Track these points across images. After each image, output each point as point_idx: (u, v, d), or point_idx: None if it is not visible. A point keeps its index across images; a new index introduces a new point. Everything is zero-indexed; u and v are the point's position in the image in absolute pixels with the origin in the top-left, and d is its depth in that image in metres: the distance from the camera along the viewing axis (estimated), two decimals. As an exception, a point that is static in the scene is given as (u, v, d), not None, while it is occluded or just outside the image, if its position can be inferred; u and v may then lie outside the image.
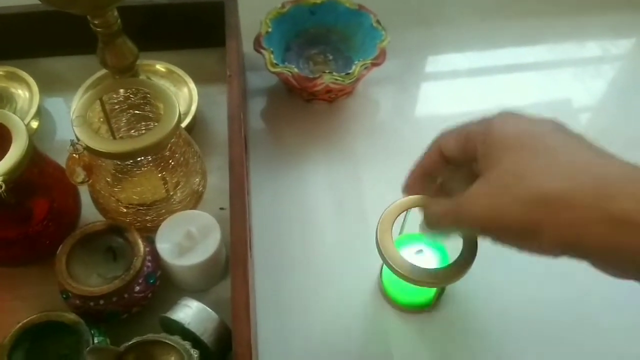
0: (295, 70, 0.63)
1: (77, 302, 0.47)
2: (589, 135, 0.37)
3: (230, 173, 0.53)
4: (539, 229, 0.32)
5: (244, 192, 0.52)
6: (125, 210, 0.52)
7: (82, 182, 0.48)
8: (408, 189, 0.45)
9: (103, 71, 0.64)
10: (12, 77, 0.65)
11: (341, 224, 0.61)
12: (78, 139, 0.46)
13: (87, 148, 0.45)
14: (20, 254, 0.51)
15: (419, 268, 0.46)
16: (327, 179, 0.64)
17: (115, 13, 0.53)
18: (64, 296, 0.48)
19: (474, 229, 0.38)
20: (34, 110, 0.62)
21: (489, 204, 0.34)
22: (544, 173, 0.33)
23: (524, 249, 0.34)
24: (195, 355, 0.42)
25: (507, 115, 0.38)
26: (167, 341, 0.42)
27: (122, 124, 0.54)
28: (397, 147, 0.67)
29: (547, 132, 0.36)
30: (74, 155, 0.46)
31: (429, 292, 0.53)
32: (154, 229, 0.51)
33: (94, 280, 0.49)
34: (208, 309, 0.47)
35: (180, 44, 0.70)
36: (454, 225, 0.39)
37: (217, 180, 0.59)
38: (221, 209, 0.58)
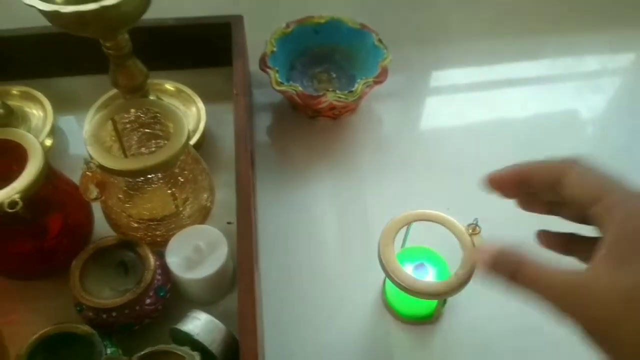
0: (300, 88, 0.65)
1: (91, 314, 0.49)
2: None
3: (237, 188, 0.55)
4: None
5: (251, 206, 0.53)
6: (136, 225, 0.54)
7: (95, 199, 0.50)
8: (494, 182, 0.38)
9: (114, 90, 0.66)
10: (27, 97, 0.67)
11: (345, 237, 0.62)
12: (91, 158, 0.48)
13: (100, 166, 0.47)
14: (36, 267, 0.53)
15: (419, 281, 0.47)
16: (332, 194, 0.66)
17: (126, 36, 0.55)
18: (78, 309, 0.50)
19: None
20: (47, 128, 0.64)
21: (618, 311, 0.29)
22: None
23: None
24: (204, 366, 0.44)
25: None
26: (177, 351, 0.44)
27: (133, 142, 0.56)
28: (400, 161, 0.69)
29: None
30: (88, 173, 0.48)
31: (431, 304, 0.54)
32: (164, 244, 0.53)
33: (107, 293, 0.50)
34: (216, 320, 0.49)
35: (188, 64, 0.73)
36: (560, 307, 0.32)
37: (224, 196, 0.61)
38: (228, 223, 0.59)
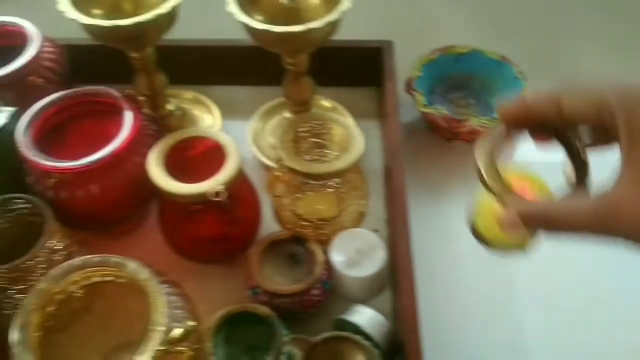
0: (445, 111, 0.70)
1: (265, 298, 0.55)
2: None
3: (393, 200, 0.60)
4: None
5: (407, 215, 0.58)
6: (304, 223, 0.60)
7: (277, 196, 0.56)
8: (501, 114, 0.37)
9: (275, 101, 0.73)
10: (197, 102, 0.75)
11: (479, 257, 0.66)
12: (281, 159, 0.54)
13: (290, 168, 0.53)
14: (216, 252, 0.60)
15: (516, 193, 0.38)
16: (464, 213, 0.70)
17: (306, 55, 0.62)
18: (253, 292, 0.56)
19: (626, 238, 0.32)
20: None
21: None
22: None
23: None
24: (376, 354, 0.49)
25: None
26: (352, 339, 0.49)
27: (302, 149, 0.63)
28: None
29: None
30: (277, 173, 0.54)
31: None
32: (325, 242, 0.59)
33: (279, 281, 0.56)
34: (380, 315, 0.54)
35: (338, 82, 0.79)
36: (598, 233, 0.32)
37: (369, 205, 0.66)
38: (375, 230, 0.64)
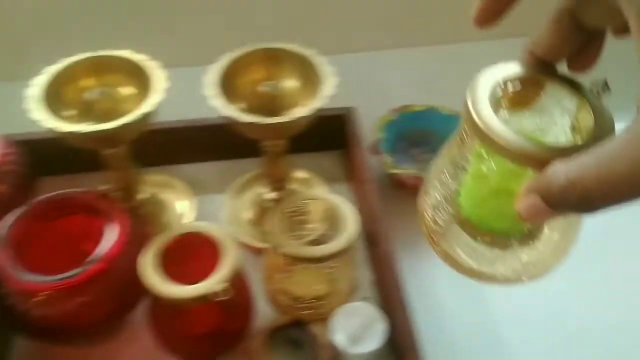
0: (413, 170, 0.73)
1: (275, 390, 0.54)
2: None
3: (382, 267, 0.61)
4: None
5: (400, 283, 0.59)
6: (299, 305, 0.60)
7: (271, 281, 0.55)
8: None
9: (246, 176, 0.73)
10: (166, 185, 0.73)
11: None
12: (277, 246, 0.54)
13: (289, 255, 0.54)
14: (213, 347, 0.58)
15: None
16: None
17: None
18: (261, 386, 0.55)
19: None
20: (193, 215, 0.70)
21: None
22: None
23: None
24: None
25: None
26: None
27: (288, 229, 0.62)
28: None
29: None
30: (272, 258, 0.54)
31: None
32: (322, 321, 0.59)
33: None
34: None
35: (303, 148, 0.79)
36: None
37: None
38: (364, 298, 0.65)
